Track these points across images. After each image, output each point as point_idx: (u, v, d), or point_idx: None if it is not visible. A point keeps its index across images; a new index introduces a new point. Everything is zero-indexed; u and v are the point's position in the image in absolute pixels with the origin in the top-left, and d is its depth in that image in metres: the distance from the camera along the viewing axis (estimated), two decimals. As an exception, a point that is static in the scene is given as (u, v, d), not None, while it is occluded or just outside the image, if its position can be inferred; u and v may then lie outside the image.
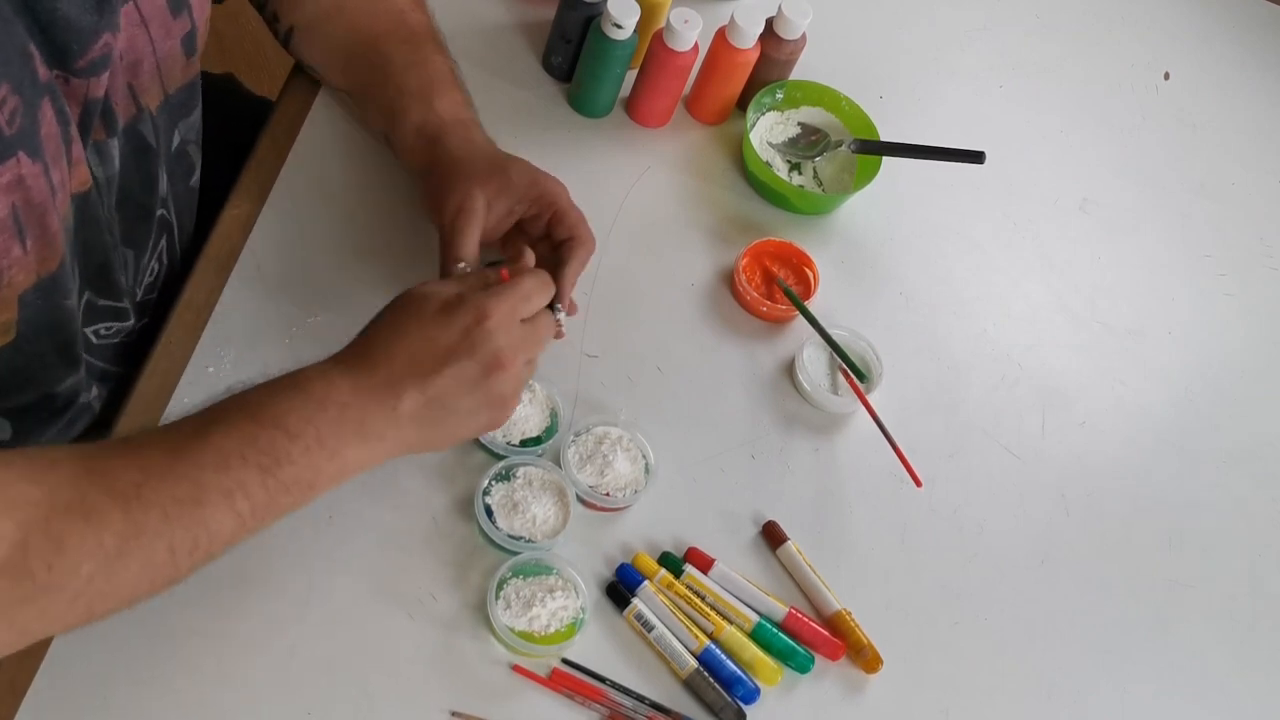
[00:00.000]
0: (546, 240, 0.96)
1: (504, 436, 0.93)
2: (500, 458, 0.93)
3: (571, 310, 0.93)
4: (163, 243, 0.94)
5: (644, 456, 0.95)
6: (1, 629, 0.64)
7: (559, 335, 0.90)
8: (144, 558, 0.68)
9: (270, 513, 0.73)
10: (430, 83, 0.99)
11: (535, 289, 0.84)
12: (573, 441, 0.94)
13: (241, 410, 0.73)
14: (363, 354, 0.78)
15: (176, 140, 0.89)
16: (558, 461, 0.93)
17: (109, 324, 0.90)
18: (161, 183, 0.87)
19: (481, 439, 0.93)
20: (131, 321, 0.94)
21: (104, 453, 0.70)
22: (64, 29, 0.68)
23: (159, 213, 0.90)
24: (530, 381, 0.96)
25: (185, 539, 0.69)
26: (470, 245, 0.91)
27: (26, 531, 0.64)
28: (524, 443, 0.94)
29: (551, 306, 0.88)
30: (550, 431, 0.95)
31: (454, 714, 0.83)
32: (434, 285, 0.81)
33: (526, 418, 0.94)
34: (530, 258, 0.87)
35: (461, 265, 0.90)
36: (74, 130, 0.73)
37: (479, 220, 0.92)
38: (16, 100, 0.66)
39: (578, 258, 0.94)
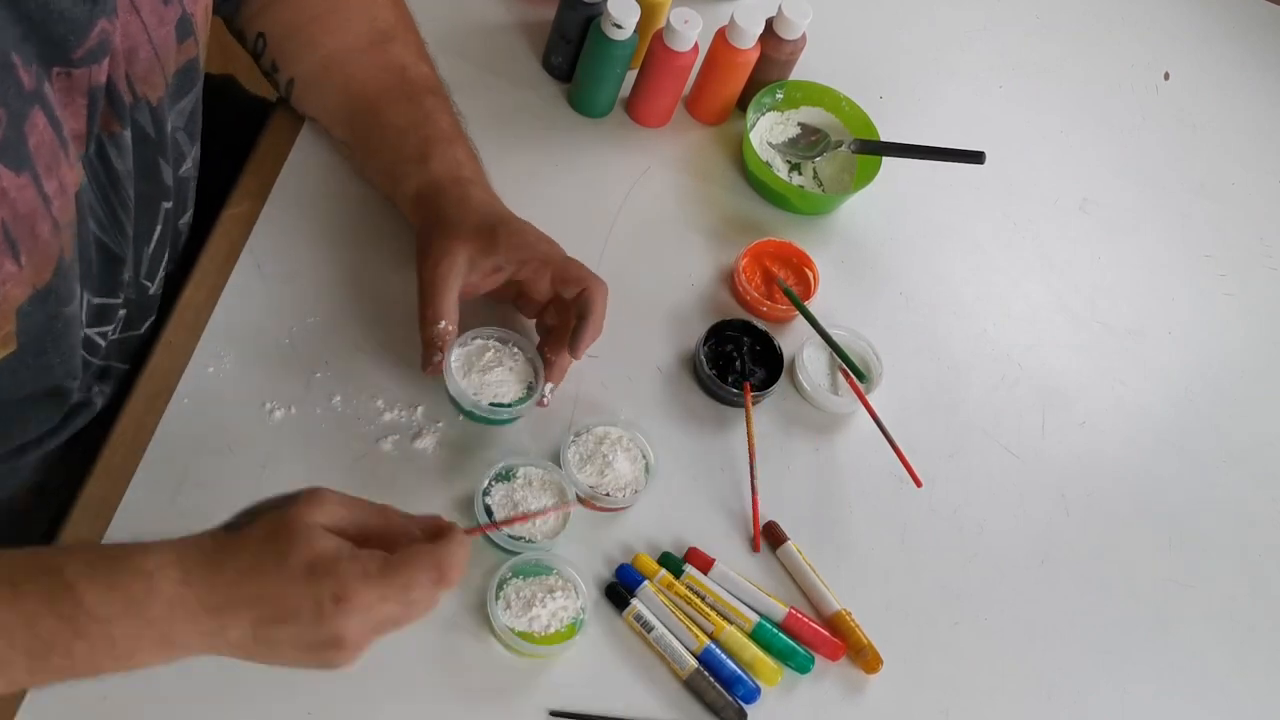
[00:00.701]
0: (556, 302, 0.95)
1: (475, 394, 0.92)
2: (470, 414, 0.93)
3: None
4: (168, 233, 0.95)
5: (644, 456, 0.95)
6: None
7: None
8: None
9: (26, 685, 0.71)
10: (427, 144, 0.97)
11: (422, 585, 0.71)
12: (573, 441, 0.94)
13: (44, 582, 0.68)
14: (212, 565, 0.70)
15: (169, 128, 0.89)
16: (558, 461, 0.93)
17: (112, 323, 0.90)
18: (165, 173, 0.88)
19: (449, 390, 0.92)
20: (129, 314, 0.93)
21: None
22: (58, 21, 0.68)
23: (164, 205, 0.90)
24: (513, 346, 0.95)
25: None
26: (447, 303, 0.90)
27: None
28: (492, 405, 0.93)
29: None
30: (521, 401, 0.94)
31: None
32: (319, 524, 0.70)
33: (501, 382, 0.94)
34: (458, 537, 0.73)
35: (442, 324, 0.90)
36: (68, 134, 0.73)
37: (458, 277, 0.91)
38: (1, 113, 0.65)
39: (597, 307, 0.92)
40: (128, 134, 0.80)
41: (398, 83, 1.00)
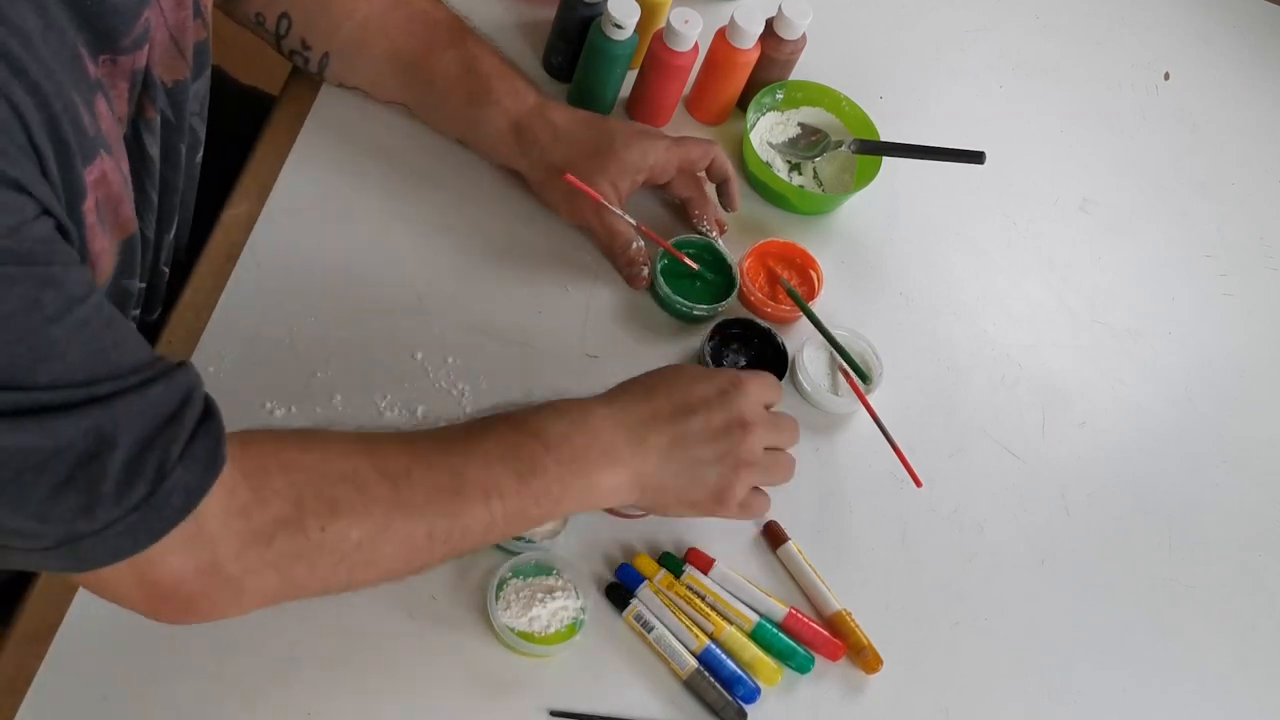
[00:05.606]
0: (681, 175, 1.07)
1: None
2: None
3: (722, 229, 1.09)
4: (186, 219, 0.96)
5: None
6: (274, 579, 0.70)
7: (736, 207, 1.09)
8: (404, 535, 0.74)
9: (518, 520, 0.79)
10: (488, 83, 1.02)
11: (777, 388, 0.91)
12: None
13: (506, 422, 0.80)
14: (622, 393, 0.85)
15: (186, 112, 0.90)
16: None
17: (134, 307, 0.91)
18: (183, 158, 0.88)
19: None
20: (147, 299, 0.94)
21: (376, 437, 0.76)
22: (110, 14, 0.69)
23: (183, 190, 0.91)
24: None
25: (442, 526, 0.75)
26: (626, 229, 1.02)
27: (301, 491, 0.71)
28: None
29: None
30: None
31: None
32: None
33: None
34: None
35: (634, 245, 1.02)
36: (116, 119, 0.75)
37: (615, 207, 1.01)
38: (80, 102, 0.67)
39: (729, 166, 1.07)
40: (158, 118, 0.82)
41: (434, 32, 1.02)
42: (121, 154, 0.75)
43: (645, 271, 1.03)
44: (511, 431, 0.79)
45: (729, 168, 1.07)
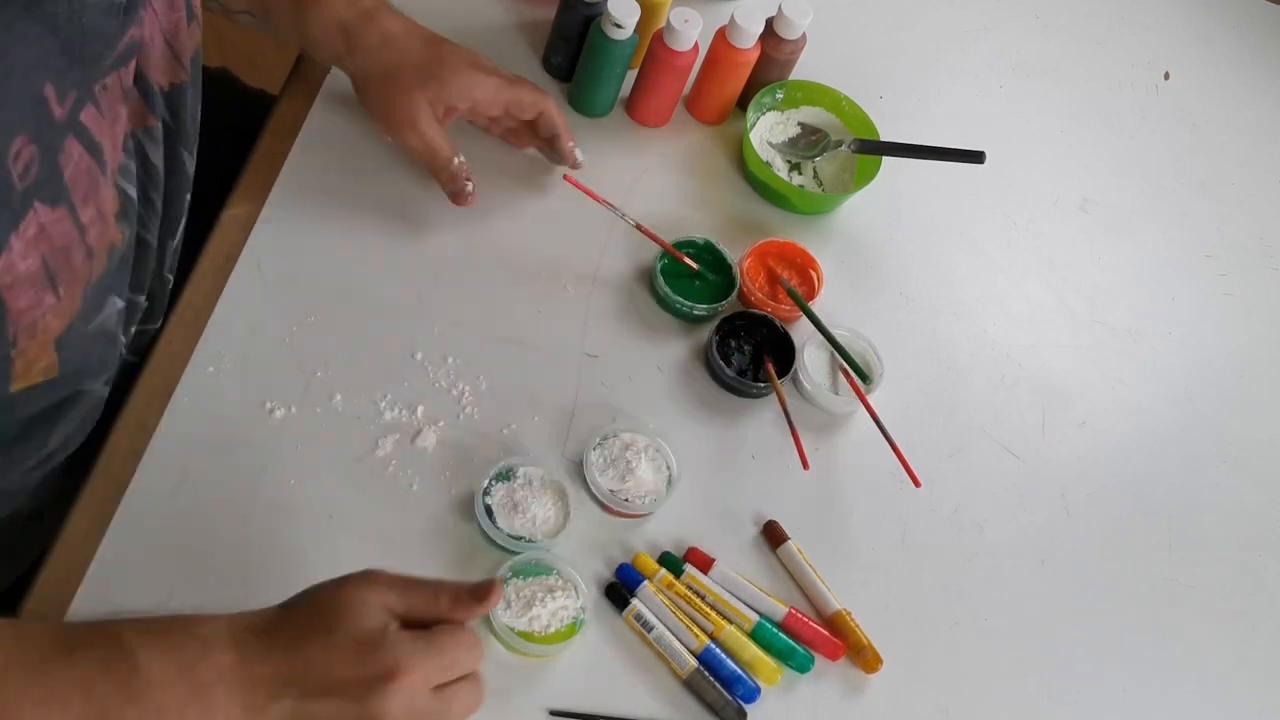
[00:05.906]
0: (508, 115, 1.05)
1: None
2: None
3: (577, 164, 1.07)
4: (189, 224, 0.95)
5: (667, 466, 0.95)
6: None
7: (576, 165, 1.06)
8: None
9: None
10: None
11: (462, 659, 0.72)
12: (598, 445, 0.94)
13: (101, 647, 0.67)
14: (262, 638, 0.70)
15: (186, 115, 0.90)
16: (580, 463, 0.93)
17: (136, 318, 0.90)
18: (186, 162, 0.88)
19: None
20: (150, 308, 0.94)
21: None
22: (93, 38, 0.68)
23: (187, 195, 0.90)
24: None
25: None
26: (444, 141, 0.99)
27: None
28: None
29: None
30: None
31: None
32: (378, 601, 0.71)
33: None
34: (463, 617, 0.74)
35: (456, 160, 1.00)
36: (107, 156, 0.73)
37: (434, 124, 0.99)
38: (32, 150, 0.64)
39: (559, 121, 1.04)
40: (159, 125, 0.81)
41: None
42: (90, 199, 0.72)
43: (470, 188, 1.01)
44: (100, 668, 0.66)
45: (559, 124, 1.04)
